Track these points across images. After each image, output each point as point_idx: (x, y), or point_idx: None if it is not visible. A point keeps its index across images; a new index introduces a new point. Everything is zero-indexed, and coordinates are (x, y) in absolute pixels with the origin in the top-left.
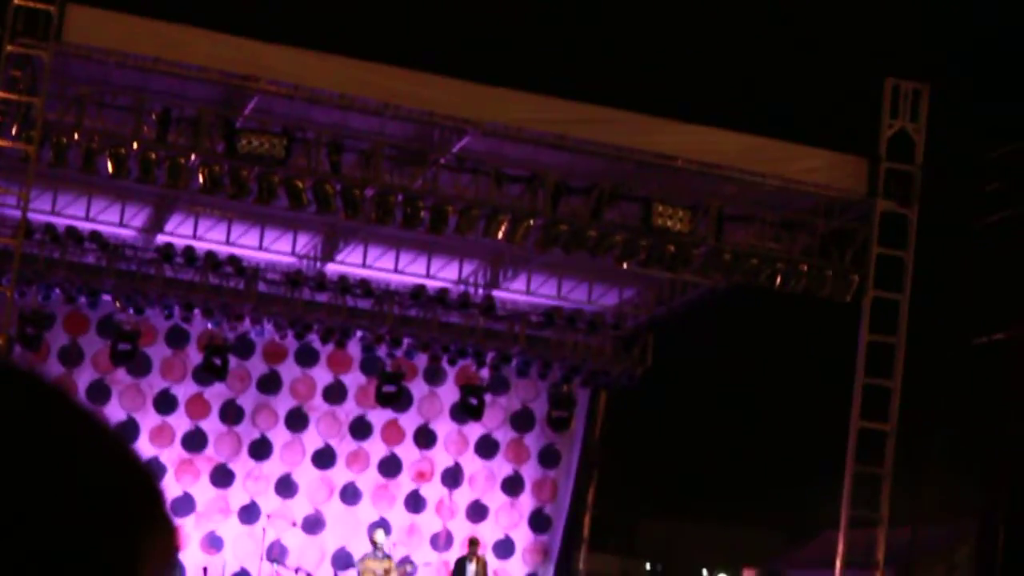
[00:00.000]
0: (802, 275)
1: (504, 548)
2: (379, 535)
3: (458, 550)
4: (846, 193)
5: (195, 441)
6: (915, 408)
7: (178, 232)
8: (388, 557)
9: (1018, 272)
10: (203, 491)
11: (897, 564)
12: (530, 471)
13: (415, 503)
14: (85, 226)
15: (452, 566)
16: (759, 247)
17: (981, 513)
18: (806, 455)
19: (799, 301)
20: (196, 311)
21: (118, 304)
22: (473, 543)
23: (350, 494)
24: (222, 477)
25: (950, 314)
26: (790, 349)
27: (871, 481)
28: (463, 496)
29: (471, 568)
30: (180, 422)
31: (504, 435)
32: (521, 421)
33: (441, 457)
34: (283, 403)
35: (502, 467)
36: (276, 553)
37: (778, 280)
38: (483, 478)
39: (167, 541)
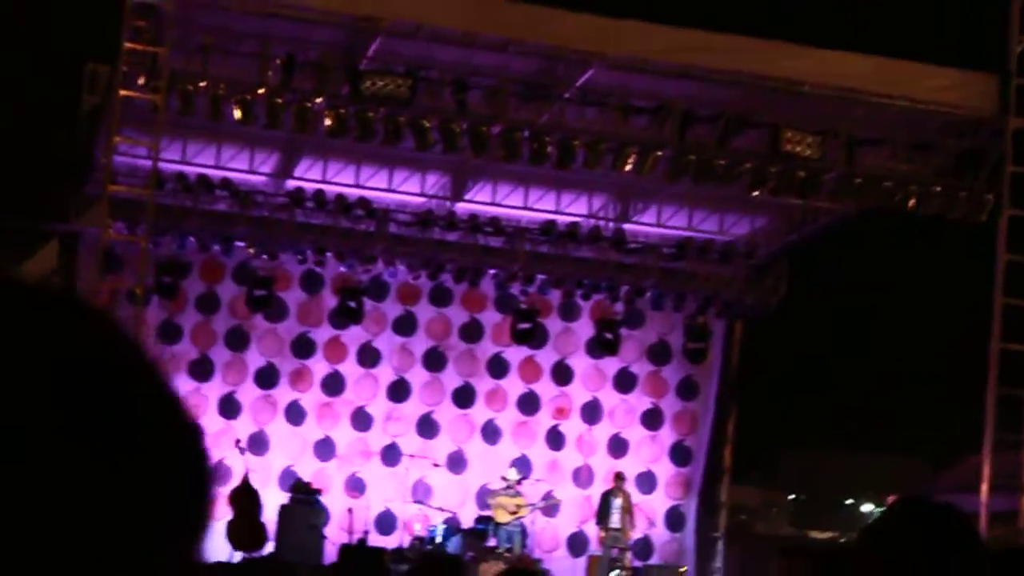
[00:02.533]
0: (935, 197)
1: (646, 482)
2: (511, 472)
3: (600, 485)
4: (977, 111)
5: (334, 384)
6: None
7: (307, 176)
8: (519, 494)
9: None
10: (343, 434)
11: None
12: (669, 404)
13: (555, 440)
14: (215, 173)
15: (596, 501)
16: (890, 170)
17: None
18: (947, 380)
19: (933, 223)
20: (328, 255)
21: (252, 250)
22: (619, 477)
23: (491, 432)
24: (361, 419)
25: None
26: (926, 273)
27: (1014, 403)
28: (603, 431)
29: (616, 502)
30: (318, 366)
31: (641, 369)
32: (658, 354)
33: (579, 393)
34: (420, 343)
35: (641, 401)
36: (420, 493)
37: (911, 203)
38: (622, 412)
39: (202, 505)
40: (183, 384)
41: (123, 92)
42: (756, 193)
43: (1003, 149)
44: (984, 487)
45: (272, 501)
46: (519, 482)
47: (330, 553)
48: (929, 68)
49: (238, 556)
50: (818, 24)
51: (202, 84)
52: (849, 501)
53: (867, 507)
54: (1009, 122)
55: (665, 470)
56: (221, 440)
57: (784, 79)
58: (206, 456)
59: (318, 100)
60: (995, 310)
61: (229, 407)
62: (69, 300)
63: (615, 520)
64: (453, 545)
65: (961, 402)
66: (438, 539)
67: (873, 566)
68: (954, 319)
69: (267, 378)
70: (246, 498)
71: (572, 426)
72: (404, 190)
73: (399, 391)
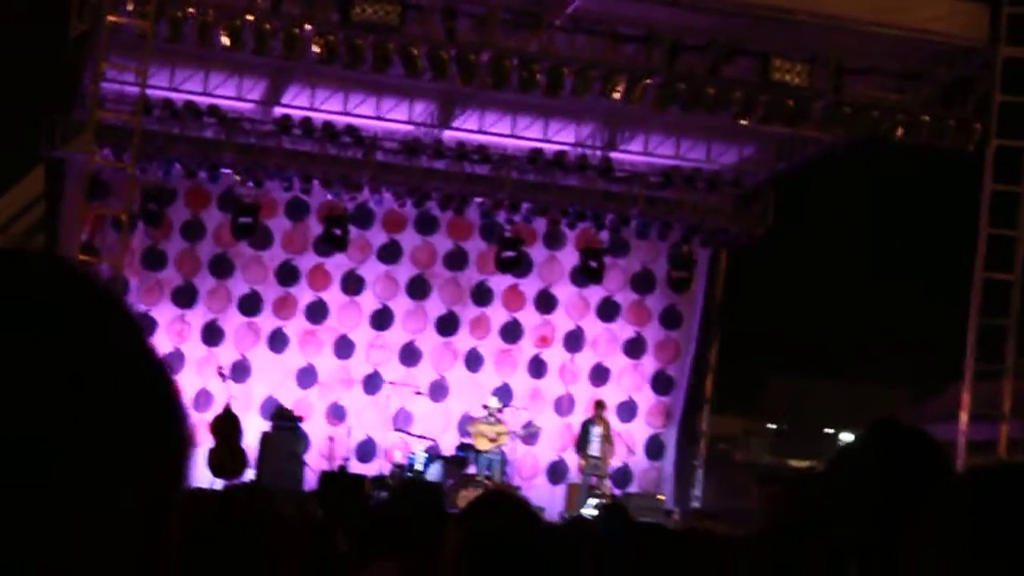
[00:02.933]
0: (923, 126)
1: (627, 410)
2: (492, 400)
3: (581, 413)
4: (967, 40)
5: (317, 312)
6: None
7: (295, 103)
8: (500, 421)
9: None
10: (326, 361)
11: None
12: (652, 333)
13: (537, 368)
14: (203, 100)
15: (577, 429)
16: (879, 99)
17: None
18: (930, 309)
19: (921, 153)
20: (315, 182)
21: (238, 177)
22: (599, 405)
23: (473, 360)
24: (344, 347)
25: None
26: (913, 202)
27: (996, 332)
28: (585, 359)
29: (596, 430)
30: (302, 293)
31: (625, 297)
32: (642, 283)
33: (562, 321)
34: (404, 271)
35: (624, 329)
36: (401, 421)
37: (899, 132)
38: (605, 341)
39: (177, 452)
40: (167, 311)
41: (111, 18)
42: (744, 122)
43: (992, 78)
44: (964, 416)
45: (253, 428)
46: (500, 410)
47: (311, 480)
48: None
49: (219, 483)
50: None
51: (191, 10)
52: (830, 431)
53: (847, 436)
54: (999, 51)
55: (646, 398)
56: (204, 367)
57: (774, 7)
58: (179, 405)
59: (307, 27)
60: (980, 240)
61: (212, 334)
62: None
63: (595, 448)
64: (433, 473)
65: (946, 331)
66: (418, 467)
67: (840, 488)
68: (940, 249)
69: (251, 306)
70: (227, 425)
71: (555, 354)
72: (392, 118)
73: (382, 319)
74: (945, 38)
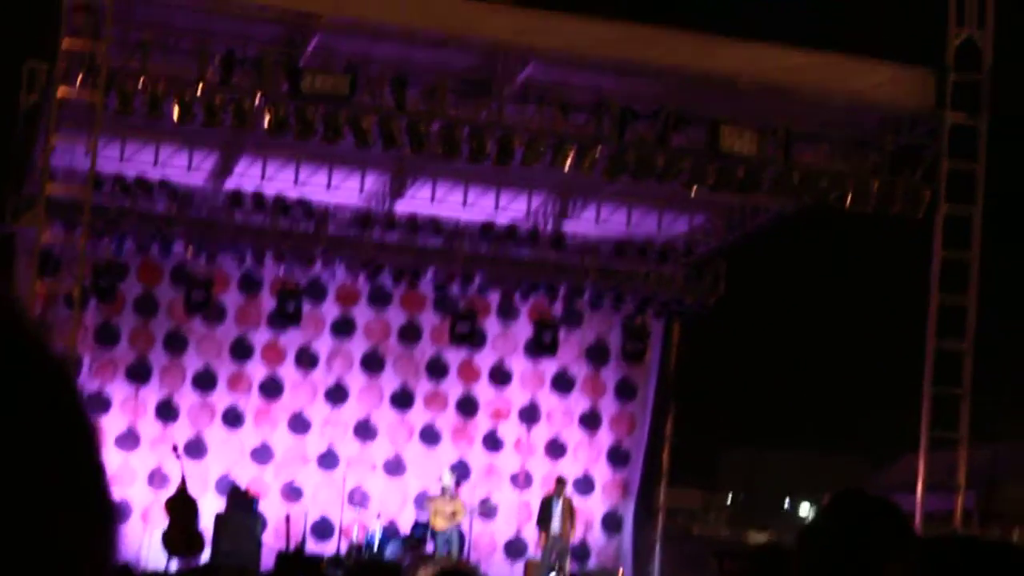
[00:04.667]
0: (872, 193)
1: (583, 485)
2: (446, 476)
3: (538, 488)
4: (914, 107)
5: (271, 388)
6: (992, 325)
7: (247, 175)
8: (456, 498)
9: None
10: (281, 439)
11: (979, 485)
12: (607, 405)
13: (493, 442)
14: (154, 174)
15: (535, 505)
16: (828, 166)
17: None
18: (885, 378)
19: (871, 220)
20: (267, 256)
21: (190, 252)
22: (560, 482)
23: (429, 436)
24: (299, 424)
25: None
26: (864, 270)
27: (950, 401)
28: (541, 433)
29: (558, 507)
30: (256, 370)
31: (579, 370)
32: (596, 355)
33: (517, 395)
34: (358, 346)
35: (579, 402)
36: (358, 499)
37: (848, 199)
38: (560, 414)
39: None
40: (120, 388)
41: (61, 91)
42: (695, 191)
43: (940, 145)
44: (920, 486)
45: (209, 507)
46: (456, 486)
47: (267, 560)
48: (866, 63)
49: (175, 563)
50: (756, 18)
51: (141, 82)
52: (788, 501)
53: (805, 507)
54: (946, 118)
55: (603, 472)
56: (158, 445)
57: (722, 75)
58: (94, 449)
59: (257, 98)
60: (931, 307)
61: (167, 411)
62: None
63: (556, 525)
64: (391, 551)
65: (899, 400)
66: (375, 545)
67: (811, 561)
68: (891, 316)
69: (205, 382)
70: (182, 504)
71: (510, 429)
72: (344, 189)
73: (337, 395)
74: (892, 105)
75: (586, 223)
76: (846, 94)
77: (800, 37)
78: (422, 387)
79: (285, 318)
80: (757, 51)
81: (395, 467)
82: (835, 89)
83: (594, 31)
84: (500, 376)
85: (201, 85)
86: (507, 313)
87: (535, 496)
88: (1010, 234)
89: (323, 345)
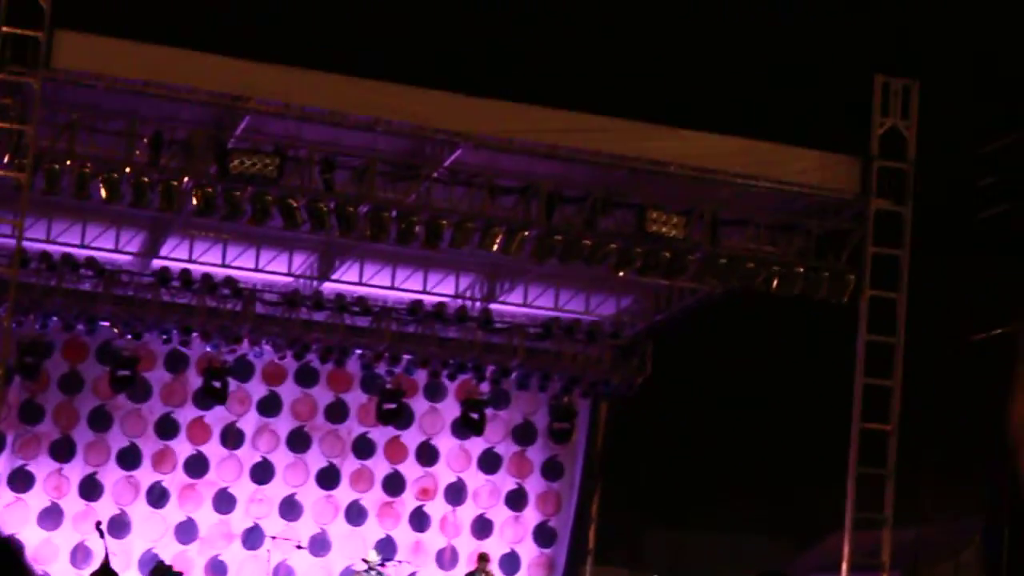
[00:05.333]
0: (798, 277)
1: (510, 563)
2: (371, 554)
3: (464, 566)
4: (839, 193)
5: (197, 466)
6: (916, 407)
7: (174, 255)
8: (382, 575)
9: (1015, 267)
10: (206, 516)
11: (903, 565)
12: (533, 485)
13: (419, 520)
14: (81, 252)
15: None
16: (754, 250)
17: (986, 512)
18: (809, 459)
19: (797, 303)
20: (194, 334)
21: (116, 330)
22: (483, 558)
23: (355, 513)
24: (224, 501)
25: (948, 311)
26: (789, 352)
27: (875, 482)
28: (467, 512)
29: None
30: (182, 447)
31: (506, 449)
32: (523, 434)
33: (444, 473)
34: (284, 424)
35: (505, 481)
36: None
37: (775, 283)
38: (486, 493)
39: None
40: (44, 465)
41: None
42: (622, 273)
43: (865, 230)
44: (845, 566)
45: None
46: (382, 564)
47: None
48: (792, 150)
49: None
50: (683, 105)
51: (68, 162)
52: None
53: None
54: (871, 204)
55: (529, 551)
56: (82, 522)
57: (649, 159)
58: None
59: (185, 179)
60: (856, 390)
61: (91, 489)
62: None
63: None
64: None
65: (824, 481)
66: None
67: None
68: (818, 398)
69: (130, 459)
70: None
71: (436, 507)
72: (271, 269)
73: (263, 472)
74: (817, 191)
75: (513, 304)
76: (772, 180)
77: (727, 125)
78: (349, 465)
79: (211, 396)
80: (685, 137)
81: (320, 545)
82: (761, 175)
83: (523, 116)
84: (427, 454)
85: (129, 166)
86: (434, 392)
87: (461, 574)
88: (934, 319)
89: (249, 423)
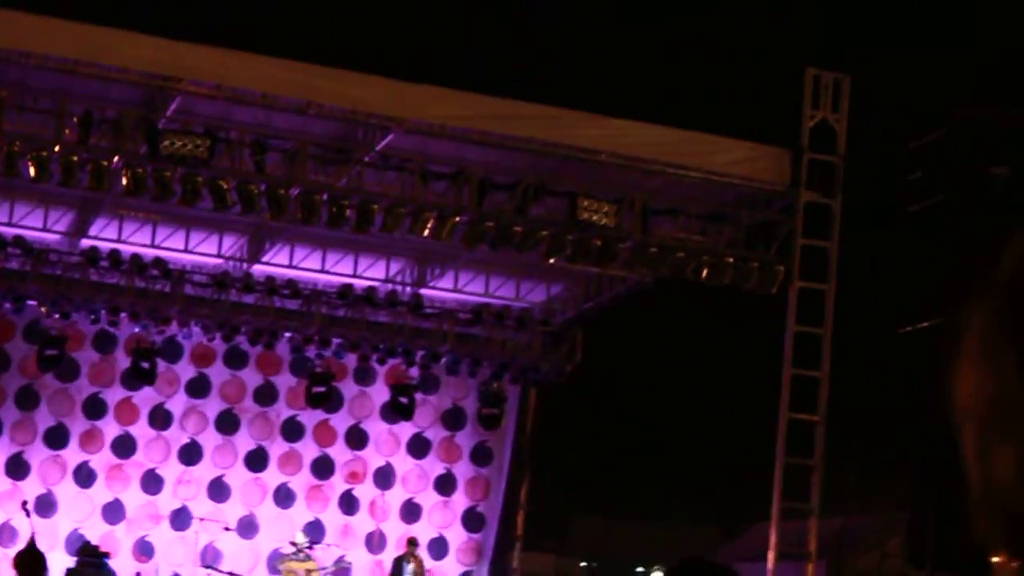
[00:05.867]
0: (728, 267)
1: (438, 547)
2: (299, 536)
3: (392, 550)
4: (769, 184)
5: (124, 446)
6: (844, 398)
7: (103, 235)
8: (310, 558)
9: (942, 260)
10: (133, 497)
11: (829, 555)
12: (462, 470)
13: (348, 504)
14: (8, 231)
15: (389, 566)
16: (684, 240)
17: (911, 502)
18: (737, 448)
19: (726, 293)
20: (123, 315)
21: (44, 309)
22: (412, 543)
23: (283, 496)
24: (152, 482)
25: (876, 304)
26: (718, 342)
27: (801, 472)
28: (396, 496)
29: (409, 568)
30: (109, 427)
31: (435, 434)
32: (452, 419)
33: (373, 457)
34: (213, 406)
35: (434, 466)
36: (209, 558)
37: (704, 273)
38: (415, 477)
39: None
40: None
41: None
42: (552, 260)
43: (795, 222)
44: (771, 555)
45: (59, 564)
46: (309, 547)
47: None
48: (723, 141)
49: None
50: (615, 94)
51: None
52: (640, 569)
53: (658, 575)
54: (800, 195)
55: (457, 536)
56: (8, 501)
57: (581, 148)
58: None
59: (115, 159)
60: (784, 380)
61: (17, 467)
62: None
63: None
64: None
65: (751, 471)
66: None
67: None
68: (746, 388)
69: (57, 439)
70: (31, 561)
71: (365, 491)
72: (201, 251)
73: (191, 454)
74: (748, 182)
75: (444, 289)
76: (703, 170)
77: (659, 114)
78: (277, 447)
79: (140, 376)
80: (617, 126)
81: (248, 527)
82: (692, 165)
83: (455, 102)
84: (356, 438)
85: (58, 145)
86: (364, 376)
87: (389, 557)
88: (862, 311)
89: (178, 404)
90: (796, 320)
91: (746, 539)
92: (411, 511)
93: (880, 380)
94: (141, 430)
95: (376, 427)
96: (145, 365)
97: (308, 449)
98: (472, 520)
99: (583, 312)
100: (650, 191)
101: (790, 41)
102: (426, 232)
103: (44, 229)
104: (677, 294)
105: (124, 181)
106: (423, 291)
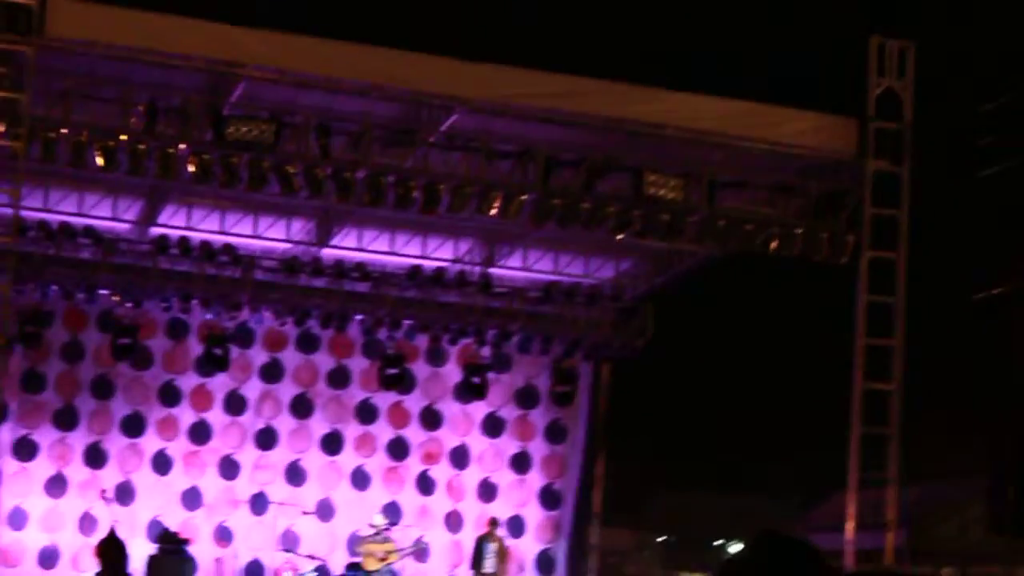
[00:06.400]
0: (797, 239)
1: (515, 525)
2: (377, 518)
3: (470, 529)
4: (836, 154)
5: (200, 433)
6: (918, 366)
7: (172, 223)
8: (389, 539)
9: (1015, 225)
10: (211, 483)
11: (909, 523)
12: (537, 448)
13: (425, 485)
14: (78, 221)
15: (467, 545)
16: (752, 212)
17: (991, 469)
18: (812, 420)
19: (797, 265)
20: (194, 302)
21: (116, 298)
22: (493, 523)
23: (360, 478)
24: (229, 468)
25: (948, 271)
26: (791, 313)
27: (879, 441)
28: (472, 475)
29: (491, 547)
30: (185, 414)
31: (509, 413)
32: (525, 398)
33: (448, 437)
34: (287, 390)
35: (509, 445)
36: (288, 542)
37: (773, 245)
38: (491, 456)
39: None
40: (48, 434)
41: None
42: (621, 236)
43: (863, 191)
44: (850, 524)
45: (140, 552)
46: (387, 528)
47: None
48: (789, 111)
49: None
50: (680, 68)
51: (63, 131)
52: (719, 542)
53: (735, 548)
54: (868, 164)
55: (534, 513)
56: (87, 490)
57: (646, 123)
58: None
59: (181, 146)
60: (858, 350)
61: (95, 456)
62: None
63: (489, 565)
64: None
65: (828, 442)
66: None
67: None
68: (819, 359)
69: (133, 427)
70: (113, 550)
71: (441, 471)
72: (270, 236)
73: (266, 439)
74: (814, 152)
75: (513, 268)
76: (769, 141)
77: (724, 87)
78: (352, 430)
79: (213, 363)
80: (682, 100)
81: (326, 510)
82: (758, 136)
83: (519, 80)
84: (430, 419)
85: (125, 134)
86: (436, 357)
87: (467, 537)
88: (934, 279)
89: (252, 389)
90: (868, 289)
91: (824, 510)
92: (487, 490)
93: (955, 347)
94: (216, 416)
95: (450, 407)
96: (218, 351)
97: (383, 431)
98: (549, 497)
99: (653, 287)
100: (716, 164)
101: (854, 10)
102: (493, 211)
103: (113, 219)
104: (748, 267)
105: (191, 168)
106: (492, 270)
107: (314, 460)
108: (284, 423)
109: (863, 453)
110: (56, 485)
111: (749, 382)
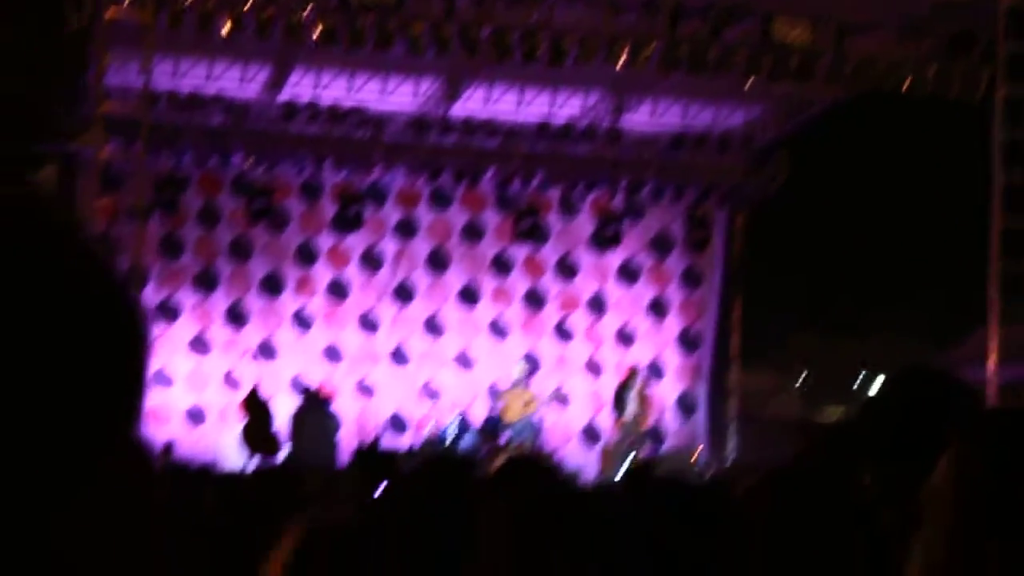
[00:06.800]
0: (928, 78)
1: (654, 371)
2: (518, 367)
3: (610, 375)
4: None
5: (338, 290)
6: None
7: (300, 86)
8: (529, 389)
9: None
10: (351, 339)
11: None
12: (674, 293)
13: (563, 333)
14: (208, 88)
15: (607, 392)
16: (883, 54)
17: None
18: (951, 259)
19: (929, 104)
20: (326, 163)
21: (249, 162)
22: (633, 372)
23: (497, 330)
24: (368, 324)
25: None
26: (925, 153)
27: (1019, 279)
28: (610, 322)
29: (631, 394)
30: (322, 273)
31: (644, 260)
32: (660, 245)
33: (584, 286)
34: (421, 246)
35: (645, 291)
36: (429, 394)
37: (905, 85)
38: (627, 303)
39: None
40: (188, 297)
41: (111, 11)
42: (750, 82)
43: (996, 27)
44: (992, 358)
45: (284, 408)
46: (528, 377)
47: (344, 458)
48: None
49: (253, 462)
50: None
51: (189, 1)
52: (859, 380)
53: (876, 384)
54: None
55: (673, 358)
56: (229, 350)
57: None
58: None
59: (307, 10)
60: (996, 188)
61: (236, 317)
62: None
63: (631, 411)
64: (465, 443)
65: (966, 282)
66: (449, 439)
67: (866, 433)
68: (955, 198)
69: (272, 287)
70: (257, 406)
71: (579, 319)
72: (398, 95)
73: (403, 294)
74: None
75: (642, 118)
76: None
77: None
78: (488, 283)
79: (347, 222)
80: None
81: (465, 361)
82: None
83: None
84: (565, 269)
85: (251, 1)
86: (568, 208)
87: (606, 384)
88: None
89: (387, 247)
90: (1003, 126)
91: (965, 344)
92: (625, 337)
93: None
94: (353, 274)
95: (584, 257)
96: (352, 211)
97: (518, 283)
98: (687, 341)
99: (784, 133)
100: (844, 6)
101: None
102: (620, 62)
103: (242, 83)
104: (880, 109)
105: (317, 31)
106: (622, 122)
107: (451, 313)
108: (420, 278)
109: (1004, 290)
110: (199, 345)
111: (885, 224)
